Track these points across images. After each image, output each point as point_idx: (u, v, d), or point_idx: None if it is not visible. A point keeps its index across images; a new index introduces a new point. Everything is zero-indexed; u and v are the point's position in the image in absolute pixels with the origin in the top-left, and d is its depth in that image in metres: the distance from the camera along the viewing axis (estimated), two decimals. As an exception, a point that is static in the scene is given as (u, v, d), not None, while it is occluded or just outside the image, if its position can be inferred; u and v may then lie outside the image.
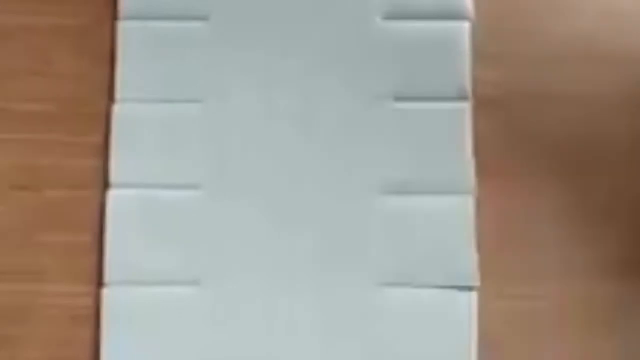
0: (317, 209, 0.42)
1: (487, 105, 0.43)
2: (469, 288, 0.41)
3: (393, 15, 0.44)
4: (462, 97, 0.43)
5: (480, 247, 0.42)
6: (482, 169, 0.42)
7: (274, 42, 0.43)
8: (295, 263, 0.41)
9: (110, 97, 0.43)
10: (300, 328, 0.41)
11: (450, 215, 0.42)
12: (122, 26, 0.43)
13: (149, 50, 0.43)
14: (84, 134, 0.42)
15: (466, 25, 0.44)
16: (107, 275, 0.41)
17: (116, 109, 0.42)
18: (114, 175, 0.42)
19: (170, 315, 0.40)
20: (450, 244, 0.42)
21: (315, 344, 0.41)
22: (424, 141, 0.43)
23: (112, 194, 0.41)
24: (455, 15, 0.44)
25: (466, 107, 0.43)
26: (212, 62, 0.43)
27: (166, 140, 0.42)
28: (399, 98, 0.43)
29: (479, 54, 0.44)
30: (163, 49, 0.43)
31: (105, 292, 0.40)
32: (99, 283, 0.41)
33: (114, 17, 0.43)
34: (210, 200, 0.42)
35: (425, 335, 0.41)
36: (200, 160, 0.42)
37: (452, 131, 0.43)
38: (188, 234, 0.41)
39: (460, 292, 0.41)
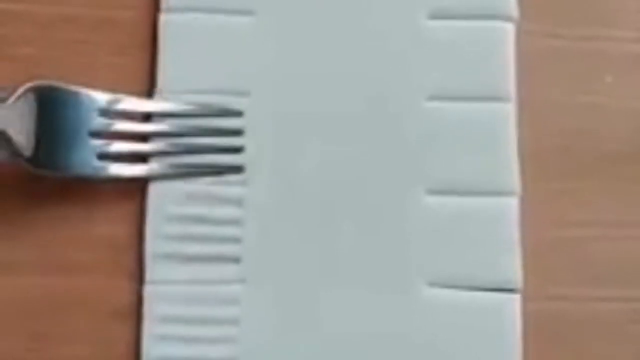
0: (360, 206, 0.41)
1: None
2: (513, 291, 0.41)
3: (438, 15, 0.43)
4: (505, 98, 0.43)
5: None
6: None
7: (320, 39, 0.43)
8: (335, 262, 0.41)
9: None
10: (343, 329, 0.40)
11: (494, 216, 0.42)
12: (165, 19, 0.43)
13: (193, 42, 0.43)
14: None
15: (510, 26, 0.43)
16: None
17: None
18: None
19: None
20: (493, 245, 0.41)
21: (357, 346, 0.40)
22: (467, 142, 0.42)
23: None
24: (500, 16, 0.43)
25: (510, 108, 0.43)
26: (258, 58, 0.43)
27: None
28: (444, 97, 0.43)
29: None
30: (207, 41, 0.43)
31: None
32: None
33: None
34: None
35: (468, 338, 0.41)
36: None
37: (496, 132, 0.42)
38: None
39: (503, 295, 0.41)
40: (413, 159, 0.42)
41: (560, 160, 0.43)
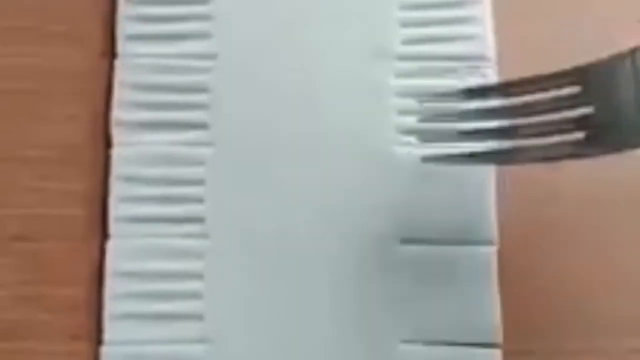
0: (336, 260, 0.39)
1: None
2: (492, 345, 0.39)
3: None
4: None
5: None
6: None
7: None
8: (311, 317, 0.39)
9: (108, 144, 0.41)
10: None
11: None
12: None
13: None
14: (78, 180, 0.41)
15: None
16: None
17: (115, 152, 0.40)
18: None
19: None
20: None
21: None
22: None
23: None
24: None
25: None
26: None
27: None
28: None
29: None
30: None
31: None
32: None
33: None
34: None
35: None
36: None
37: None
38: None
39: (482, 350, 0.39)
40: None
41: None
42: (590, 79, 0.35)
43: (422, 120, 0.37)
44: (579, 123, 0.35)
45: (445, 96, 0.37)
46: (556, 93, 0.35)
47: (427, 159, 0.37)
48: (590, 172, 0.36)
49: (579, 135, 0.35)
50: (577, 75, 0.35)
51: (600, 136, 0.34)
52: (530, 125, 0.35)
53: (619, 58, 0.34)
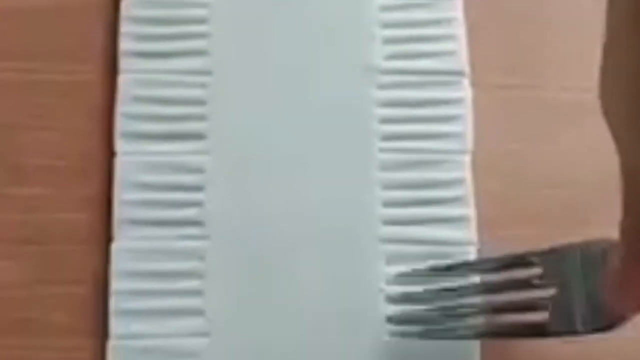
0: (332, 260, 0.42)
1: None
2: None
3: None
4: None
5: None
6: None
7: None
8: (307, 313, 0.42)
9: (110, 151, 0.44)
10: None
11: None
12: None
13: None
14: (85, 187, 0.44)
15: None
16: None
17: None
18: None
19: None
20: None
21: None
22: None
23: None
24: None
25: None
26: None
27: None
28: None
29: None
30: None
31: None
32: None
33: None
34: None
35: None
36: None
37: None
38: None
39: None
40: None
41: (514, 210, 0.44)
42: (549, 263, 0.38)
43: (395, 303, 0.41)
44: (541, 303, 0.38)
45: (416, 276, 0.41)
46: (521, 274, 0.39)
47: (395, 334, 0.41)
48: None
49: (543, 315, 0.38)
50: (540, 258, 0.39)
51: (558, 319, 0.38)
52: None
53: (571, 247, 0.38)
